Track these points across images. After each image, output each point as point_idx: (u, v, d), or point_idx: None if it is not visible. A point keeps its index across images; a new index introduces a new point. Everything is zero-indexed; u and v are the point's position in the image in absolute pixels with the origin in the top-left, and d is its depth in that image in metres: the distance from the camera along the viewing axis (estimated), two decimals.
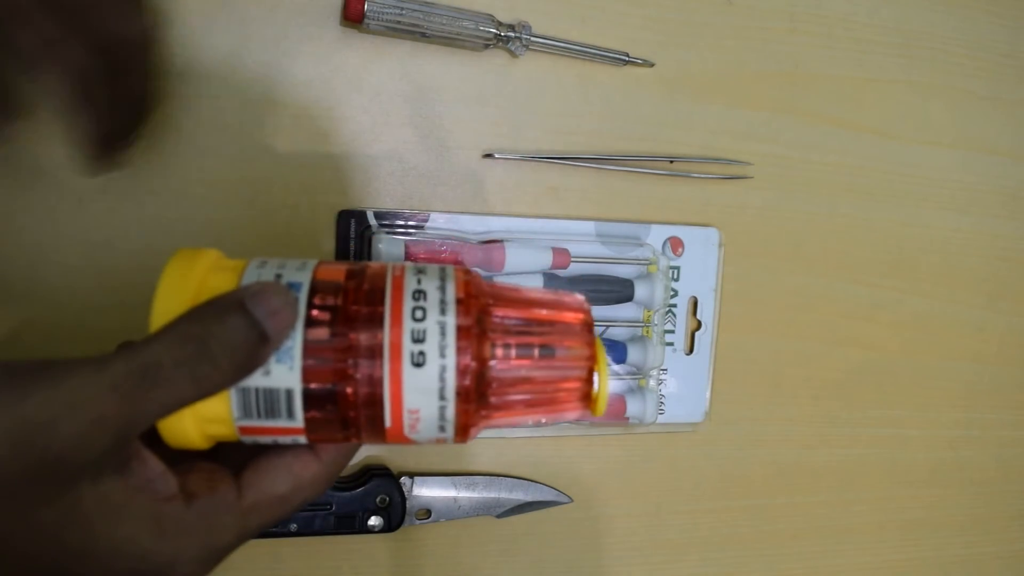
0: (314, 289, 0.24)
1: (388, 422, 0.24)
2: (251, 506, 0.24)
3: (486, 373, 0.24)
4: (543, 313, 0.25)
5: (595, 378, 0.25)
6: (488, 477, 0.43)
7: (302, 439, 0.24)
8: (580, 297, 0.27)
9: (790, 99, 0.47)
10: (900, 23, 0.49)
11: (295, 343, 0.23)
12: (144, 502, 0.22)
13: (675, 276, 0.45)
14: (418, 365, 0.23)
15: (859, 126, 0.49)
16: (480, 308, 0.24)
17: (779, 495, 0.49)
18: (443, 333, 0.23)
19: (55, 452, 0.20)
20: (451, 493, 0.42)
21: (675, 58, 0.44)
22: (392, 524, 0.41)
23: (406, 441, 0.25)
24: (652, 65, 0.44)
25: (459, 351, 0.23)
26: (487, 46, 0.40)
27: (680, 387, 0.46)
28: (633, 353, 0.44)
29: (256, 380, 0.23)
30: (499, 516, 0.43)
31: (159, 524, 0.22)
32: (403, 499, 0.41)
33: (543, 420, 0.25)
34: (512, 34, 0.40)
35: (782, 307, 0.48)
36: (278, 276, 0.24)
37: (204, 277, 0.24)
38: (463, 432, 0.25)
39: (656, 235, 0.45)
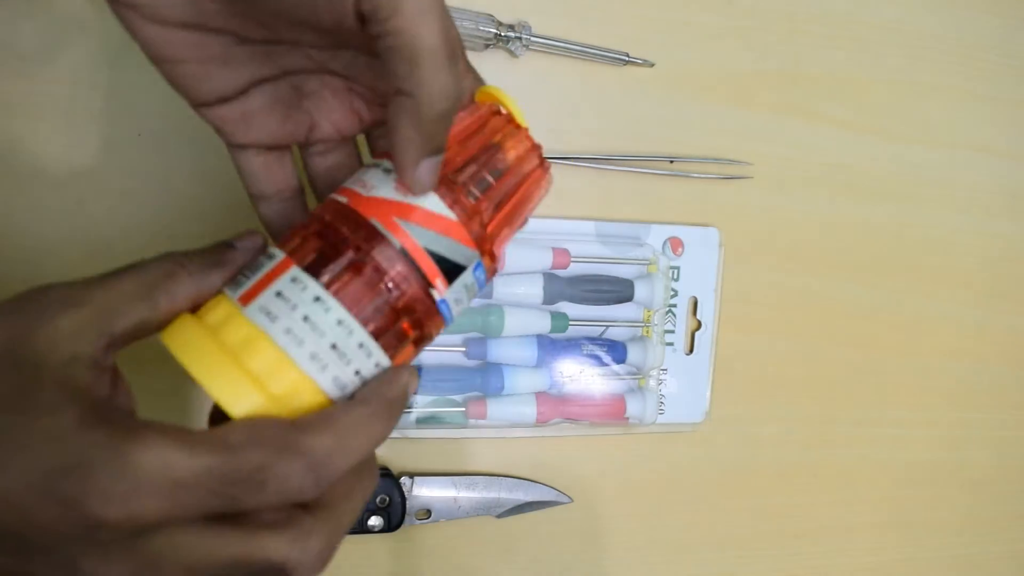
0: (315, 265, 0.24)
1: (433, 284, 0.25)
2: (186, 437, 0.21)
3: (466, 200, 0.26)
4: (469, 136, 0.27)
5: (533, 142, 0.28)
6: (488, 477, 0.43)
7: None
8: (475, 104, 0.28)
9: (790, 99, 0.47)
10: (900, 23, 0.49)
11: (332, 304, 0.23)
12: (83, 398, 0.21)
13: (675, 276, 0.45)
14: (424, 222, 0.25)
15: (859, 126, 0.49)
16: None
17: (779, 495, 0.49)
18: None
19: (40, 335, 0.21)
20: (451, 493, 0.42)
21: (675, 58, 0.44)
22: (392, 524, 0.41)
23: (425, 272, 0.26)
24: (652, 65, 0.44)
25: (440, 194, 0.25)
26: (487, 46, 0.40)
27: (680, 387, 0.46)
28: (633, 353, 0.44)
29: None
30: (499, 516, 0.43)
31: (84, 412, 0.20)
32: (403, 499, 0.41)
33: (526, 202, 0.28)
34: (512, 34, 0.40)
35: (782, 307, 0.48)
36: (279, 294, 0.23)
37: (233, 353, 0.23)
38: (490, 256, 0.27)
39: (656, 235, 0.45)
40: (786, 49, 0.47)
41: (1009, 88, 0.51)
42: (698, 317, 0.46)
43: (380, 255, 0.24)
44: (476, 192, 0.26)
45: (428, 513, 0.42)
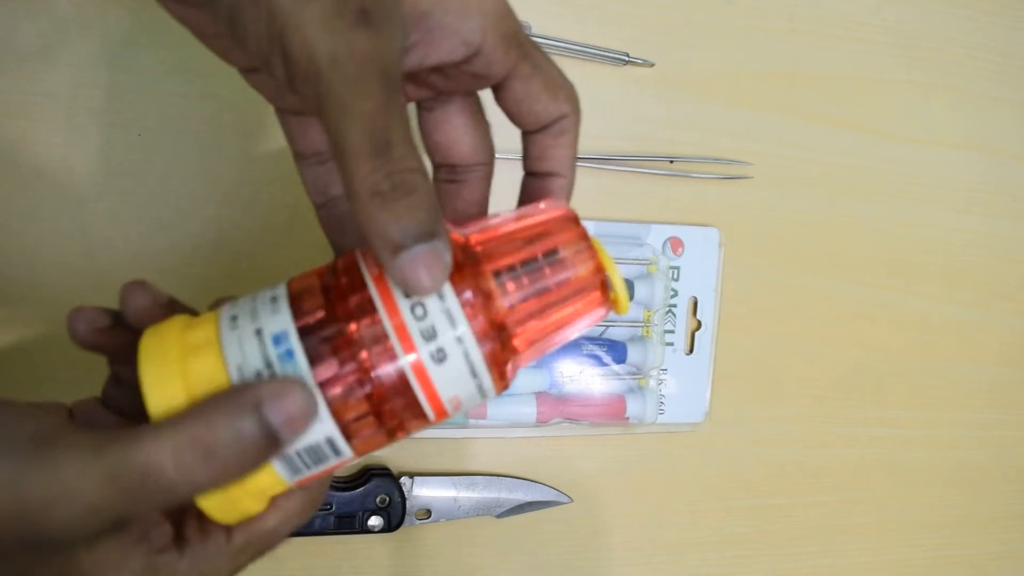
0: (303, 332, 0.22)
1: (432, 416, 0.23)
2: (242, 546, 0.24)
3: (504, 325, 0.23)
4: (529, 236, 0.23)
5: (606, 273, 0.24)
6: (488, 477, 0.43)
7: (352, 459, 0.24)
8: (554, 200, 0.25)
9: (790, 99, 0.47)
10: (900, 23, 0.49)
11: (315, 394, 0.22)
12: (140, 555, 0.22)
13: (675, 276, 0.45)
14: (441, 361, 0.22)
15: (859, 126, 0.49)
16: (472, 274, 0.23)
17: (779, 495, 0.49)
18: (451, 321, 0.22)
19: (51, 532, 0.20)
20: (451, 493, 0.42)
21: (675, 58, 0.44)
22: (392, 524, 0.41)
23: (449, 416, 0.24)
24: (652, 65, 0.44)
25: (473, 327, 0.22)
26: None
27: (680, 387, 0.46)
28: (633, 353, 0.44)
29: (293, 445, 0.22)
30: (499, 516, 0.43)
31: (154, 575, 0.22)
32: (403, 499, 0.41)
33: (572, 331, 0.24)
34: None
35: (782, 307, 0.48)
36: (258, 332, 0.22)
37: (184, 355, 0.22)
38: (502, 383, 0.24)
39: (656, 235, 0.45)
40: (786, 49, 0.47)
41: (1009, 88, 0.51)
42: (698, 317, 0.46)
43: (385, 376, 0.22)
44: (515, 304, 0.23)
45: (428, 513, 0.42)
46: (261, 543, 0.24)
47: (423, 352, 0.22)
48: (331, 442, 0.23)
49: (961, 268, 0.52)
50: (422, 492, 0.42)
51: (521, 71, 0.25)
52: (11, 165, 0.36)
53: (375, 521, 0.41)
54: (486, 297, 0.22)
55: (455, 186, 0.28)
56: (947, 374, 0.53)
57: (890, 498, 0.52)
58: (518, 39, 0.25)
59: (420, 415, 0.23)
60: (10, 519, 0.20)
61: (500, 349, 0.23)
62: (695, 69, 0.45)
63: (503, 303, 0.23)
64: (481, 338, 0.22)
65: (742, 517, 0.49)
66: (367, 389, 0.22)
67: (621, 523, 0.46)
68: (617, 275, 0.24)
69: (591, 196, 0.44)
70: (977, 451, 0.54)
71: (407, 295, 0.22)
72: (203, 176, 0.38)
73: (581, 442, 0.45)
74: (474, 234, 0.24)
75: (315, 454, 0.23)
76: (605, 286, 0.24)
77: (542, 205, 0.25)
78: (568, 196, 0.28)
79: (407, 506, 0.41)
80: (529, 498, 0.44)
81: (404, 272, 0.21)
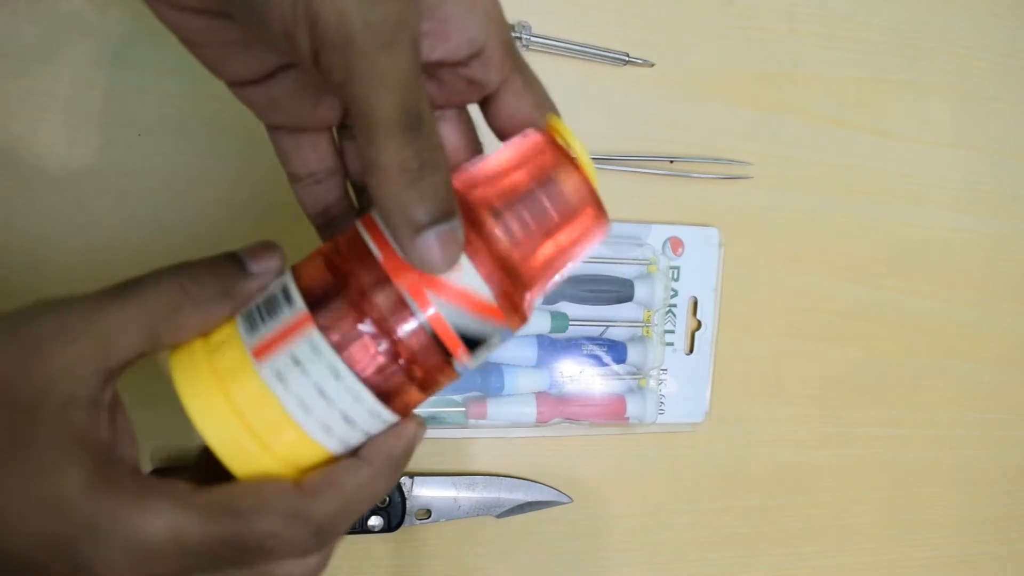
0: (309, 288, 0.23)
1: (458, 364, 0.23)
2: (198, 504, 0.21)
3: (510, 260, 0.23)
4: (516, 168, 0.24)
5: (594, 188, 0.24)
6: (488, 477, 0.43)
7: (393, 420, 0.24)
8: (531, 130, 0.25)
9: (790, 99, 0.47)
10: (900, 23, 0.49)
11: (344, 374, 0.22)
12: (90, 455, 0.20)
13: (675, 276, 0.45)
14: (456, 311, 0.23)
15: (859, 126, 0.49)
16: (470, 220, 0.23)
17: (779, 495, 0.49)
18: (460, 269, 0.22)
19: (34, 377, 0.20)
20: (451, 493, 0.42)
21: (675, 58, 0.44)
22: (392, 524, 0.41)
23: (474, 363, 0.24)
24: (652, 65, 0.44)
25: (481, 272, 0.22)
26: None
27: (680, 387, 0.46)
28: (633, 353, 0.44)
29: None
30: (499, 516, 0.43)
31: (93, 476, 0.20)
32: (403, 499, 0.41)
33: (575, 253, 0.24)
34: (512, 34, 0.40)
35: (782, 307, 0.48)
36: (295, 359, 0.22)
37: (225, 383, 0.22)
38: (518, 317, 0.24)
39: (656, 235, 0.45)
40: (786, 49, 0.47)
41: (1010, 88, 0.51)
42: (698, 317, 0.46)
43: (405, 331, 0.22)
44: (517, 239, 0.23)
45: (428, 513, 0.42)
46: (221, 522, 0.21)
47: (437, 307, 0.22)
48: (372, 410, 0.23)
49: (961, 268, 0.52)
50: (422, 492, 0.42)
51: (514, 84, 0.25)
52: (11, 165, 0.36)
53: (375, 521, 0.41)
54: (487, 239, 0.23)
55: None
56: (947, 374, 0.53)
57: (890, 498, 0.52)
58: (513, 50, 0.25)
59: (442, 359, 0.23)
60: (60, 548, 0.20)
61: (511, 285, 0.23)
62: (695, 69, 0.45)
63: (504, 240, 0.23)
64: (489, 278, 0.22)
65: (742, 517, 0.49)
66: (401, 365, 0.23)
67: (621, 523, 0.46)
68: (590, 171, 0.24)
69: None
70: (977, 451, 0.54)
71: (424, 271, 0.22)
72: (203, 176, 0.38)
73: (581, 442, 0.45)
74: (462, 181, 0.24)
75: (348, 418, 0.23)
76: (597, 201, 0.24)
77: (520, 137, 0.25)
78: None
79: (407, 506, 0.41)
80: (529, 498, 0.44)
81: (423, 252, 0.21)
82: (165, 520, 0.20)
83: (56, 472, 0.20)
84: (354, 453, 0.23)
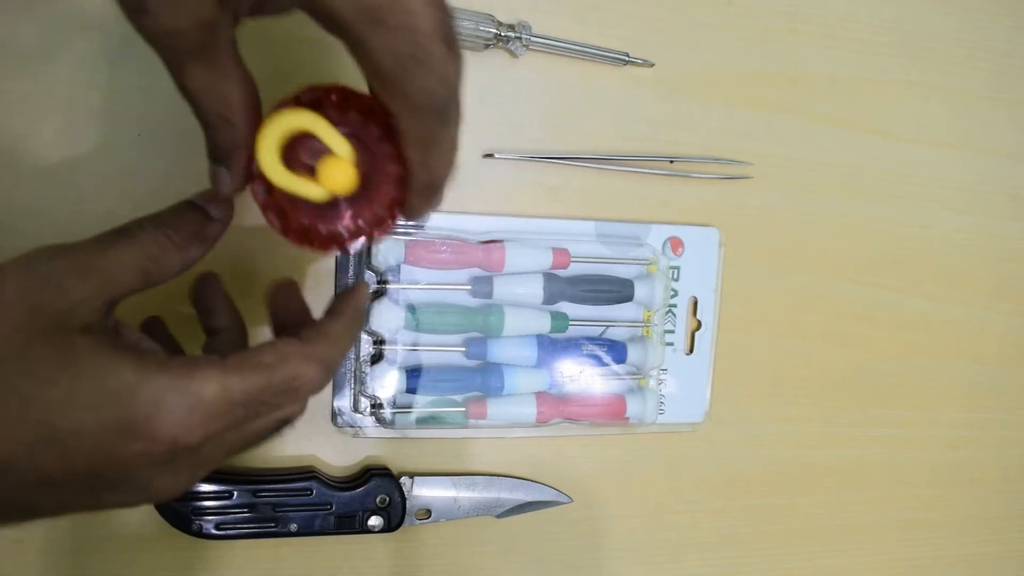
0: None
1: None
2: (233, 365, 0.25)
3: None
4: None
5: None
6: (488, 477, 0.43)
7: None
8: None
9: (790, 99, 0.47)
10: (900, 23, 0.49)
11: None
12: (129, 352, 0.24)
13: (675, 276, 0.45)
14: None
15: (859, 126, 0.49)
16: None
17: (779, 495, 0.49)
18: None
19: (58, 306, 0.24)
20: (451, 493, 0.42)
21: (675, 58, 0.44)
22: (392, 524, 0.41)
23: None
24: (652, 65, 0.44)
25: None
26: (487, 46, 0.40)
27: (680, 387, 0.46)
28: (633, 353, 0.44)
29: None
30: (499, 516, 0.43)
31: (140, 365, 0.24)
32: (403, 499, 0.41)
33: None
34: (512, 34, 0.40)
35: (782, 307, 0.48)
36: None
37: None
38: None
39: (656, 235, 0.45)
40: (786, 49, 0.47)
41: (1010, 88, 0.51)
42: (698, 317, 0.46)
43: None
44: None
45: (428, 513, 0.42)
46: (255, 374, 0.26)
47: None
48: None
49: (961, 268, 0.52)
50: (422, 492, 0.42)
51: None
52: (11, 165, 0.36)
53: (375, 521, 0.41)
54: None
55: None
56: (947, 374, 0.53)
57: (890, 498, 0.52)
58: None
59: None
60: (29, 308, 0.23)
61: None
62: (695, 69, 0.45)
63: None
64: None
65: (742, 517, 0.49)
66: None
67: (621, 523, 0.46)
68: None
69: (591, 196, 0.44)
70: (977, 451, 0.54)
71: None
72: (203, 176, 0.38)
73: (581, 442, 0.45)
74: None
75: None
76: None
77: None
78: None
79: (407, 506, 0.41)
80: (529, 498, 0.44)
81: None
82: (213, 383, 0.24)
83: (108, 370, 0.23)
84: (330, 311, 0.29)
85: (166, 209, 0.28)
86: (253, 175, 0.27)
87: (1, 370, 0.23)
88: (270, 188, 0.27)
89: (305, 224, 0.28)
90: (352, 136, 0.27)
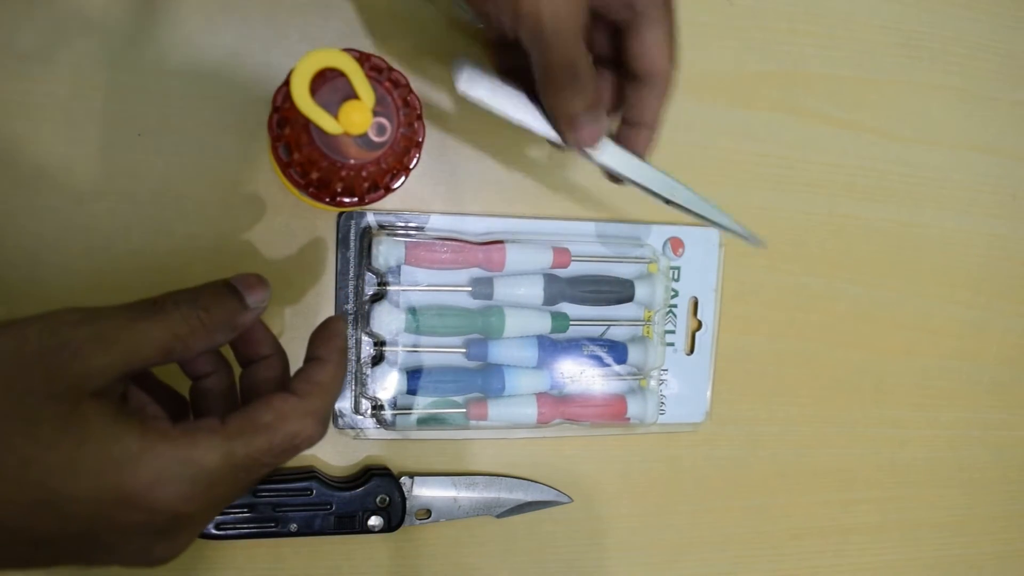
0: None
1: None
2: (235, 430, 0.26)
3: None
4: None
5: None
6: (488, 477, 0.43)
7: None
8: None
9: (790, 99, 0.47)
10: (900, 23, 0.49)
11: None
12: (135, 420, 0.24)
13: (675, 276, 0.45)
14: None
15: (859, 126, 0.49)
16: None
17: (779, 495, 0.49)
18: None
19: (74, 372, 0.24)
20: (451, 493, 0.42)
21: None
22: (392, 524, 0.41)
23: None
24: None
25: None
26: None
27: (681, 387, 0.46)
28: (634, 353, 0.44)
29: None
30: (499, 516, 0.43)
31: (144, 433, 0.24)
32: (403, 499, 0.41)
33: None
34: None
35: (782, 307, 0.48)
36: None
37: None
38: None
39: (656, 235, 0.45)
40: (786, 49, 0.47)
41: (1009, 88, 0.51)
42: (698, 317, 0.46)
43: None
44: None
45: (428, 513, 0.42)
46: (256, 436, 0.26)
47: None
48: None
49: (961, 268, 0.52)
50: (422, 492, 0.42)
51: (653, 12, 0.31)
52: (11, 165, 0.36)
53: (375, 521, 0.41)
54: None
55: None
56: (947, 374, 0.53)
57: (890, 498, 0.52)
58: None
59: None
60: (47, 369, 0.24)
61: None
62: (695, 69, 0.45)
63: None
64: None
65: (742, 517, 0.49)
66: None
67: (621, 523, 0.46)
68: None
69: (592, 196, 0.44)
70: (977, 451, 0.54)
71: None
72: (203, 176, 0.38)
73: (582, 442, 0.45)
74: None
75: None
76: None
77: None
78: (650, 147, 0.35)
79: (407, 506, 0.41)
80: (529, 498, 0.44)
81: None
82: (217, 451, 0.25)
83: (112, 438, 0.24)
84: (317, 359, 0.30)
85: (204, 287, 0.28)
86: (272, 108, 0.31)
87: (5, 429, 0.23)
88: (284, 122, 0.31)
89: (307, 162, 0.30)
90: (378, 95, 0.30)
